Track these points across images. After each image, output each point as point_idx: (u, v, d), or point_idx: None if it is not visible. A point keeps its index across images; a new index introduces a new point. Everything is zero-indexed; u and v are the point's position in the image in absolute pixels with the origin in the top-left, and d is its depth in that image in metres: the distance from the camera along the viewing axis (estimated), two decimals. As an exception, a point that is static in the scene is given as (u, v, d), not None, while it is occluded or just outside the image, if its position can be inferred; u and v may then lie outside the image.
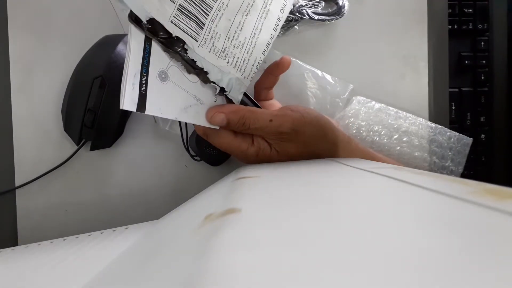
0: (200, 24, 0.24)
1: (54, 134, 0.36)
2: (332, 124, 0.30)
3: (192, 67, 0.25)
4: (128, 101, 0.23)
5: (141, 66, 0.23)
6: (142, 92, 0.24)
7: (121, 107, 0.23)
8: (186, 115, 0.26)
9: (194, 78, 0.26)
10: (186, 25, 0.24)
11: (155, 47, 0.24)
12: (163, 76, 0.24)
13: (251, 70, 0.28)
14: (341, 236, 0.10)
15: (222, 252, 0.09)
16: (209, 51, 0.25)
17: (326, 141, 0.29)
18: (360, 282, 0.07)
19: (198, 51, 0.25)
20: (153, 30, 0.23)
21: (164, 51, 0.24)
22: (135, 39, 0.23)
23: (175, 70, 0.25)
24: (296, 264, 0.08)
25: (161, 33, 0.23)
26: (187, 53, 0.25)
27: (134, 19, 0.22)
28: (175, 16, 0.23)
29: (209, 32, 0.25)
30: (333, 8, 0.37)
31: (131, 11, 0.22)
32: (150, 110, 0.24)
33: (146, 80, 0.24)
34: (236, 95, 0.28)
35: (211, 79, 0.26)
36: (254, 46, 0.27)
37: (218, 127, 0.27)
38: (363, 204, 0.13)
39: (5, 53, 0.36)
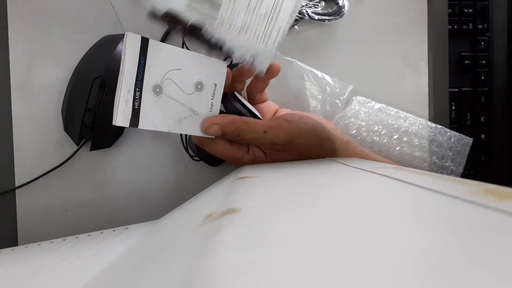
0: (218, 3, 0.24)
1: (54, 134, 0.36)
2: (328, 132, 0.30)
3: (211, 48, 0.25)
4: (121, 117, 0.23)
5: (135, 82, 0.24)
6: (136, 107, 0.24)
7: (113, 123, 0.23)
8: (181, 126, 0.26)
9: (189, 89, 0.26)
10: (203, 8, 0.24)
11: (151, 60, 0.24)
12: (158, 90, 0.25)
13: (274, 41, 0.27)
14: (341, 236, 0.10)
15: (222, 252, 0.09)
16: (229, 29, 0.25)
17: (322, 149, 0.29)
18: (360, 282, 0.07)
19: (217, 31, 0.25)
20: (173, 20, 0.23)
21: (187, 36, 0.24)
22: (130, 55, 0.23)
23: (170, 83, 0.25)
24: (296, 264, 0.08)
25: (181, 21, 0.23)
26: (206, 35, 0.24)
27: (153, 15, 0.23)
28: (192, 0, 0.23)
29: (227, 10, 0.25)
30: (333, 8, 0.37)
31: (150, 9, 0.22)
32: (143, 125, 0.24)
33: (140, 95, 0.24)
34: (261, 67, 0.27)
35: (234, 58, 0.26)
36: (277, 16, 0.26)
37: (213, 137, 0.28)
38: (363, 204, 0.13)
39: (5, 53, 0.36)
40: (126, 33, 0.23)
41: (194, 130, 0.27)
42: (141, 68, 0.23)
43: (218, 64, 0.27)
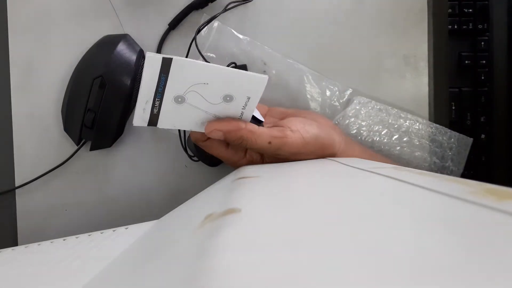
0: None
1: (54, 134, 0.36)
2: (330, 138, 0.30)
3: None
4: (139, 120, 0.25)
5: (154, 93, 0.24)
6: (154, 113, 0.25)
7: (133, 124, 0.25)
8: (203, 128, 0.27)
9: (216, 100, 0.25)
10: None
11: (173, 77, 0.24)
12: (179, 99, 0.25)
13: None
14: (341, 237, 0.10)
15: (222, 252, 0.09)
16: None
17: (322, 155, 0.29)
18: (359, 282, 0.07)
19: None
20: None
21: None
22: (148, 73, 0.23)
23: (194, 94, 0.25)
24: (295, 264, 0.08)
25: None
26: None
27: None
28: None
29: None
30: None
31: None
32: (162, 125, 0.26)
33: (160, 103, 0.25)
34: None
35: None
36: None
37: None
38: (363, 204, 0.13)
39: (5, 53, 0.36)
40: (146, 53, 0.23)
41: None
42: (161, 83, 0.24)
43: (256, 79, 0.25)
